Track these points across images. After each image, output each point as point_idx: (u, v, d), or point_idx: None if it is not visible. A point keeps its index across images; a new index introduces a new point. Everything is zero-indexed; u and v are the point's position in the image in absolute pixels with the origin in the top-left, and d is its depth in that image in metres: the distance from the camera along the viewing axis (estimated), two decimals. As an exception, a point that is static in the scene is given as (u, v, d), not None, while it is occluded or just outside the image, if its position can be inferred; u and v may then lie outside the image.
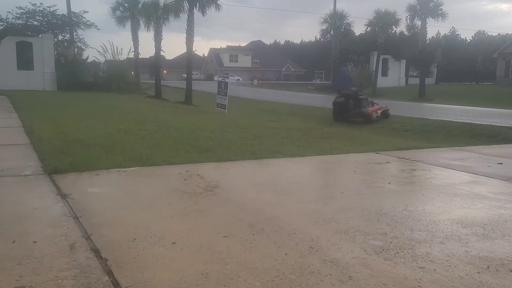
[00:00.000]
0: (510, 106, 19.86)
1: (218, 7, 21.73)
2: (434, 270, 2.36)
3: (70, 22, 28.95)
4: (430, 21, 32.04)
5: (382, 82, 36.82)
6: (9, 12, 36.61)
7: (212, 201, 3.67)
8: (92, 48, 50.14)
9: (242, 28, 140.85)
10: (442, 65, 56.20)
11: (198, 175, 4.52)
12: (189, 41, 21.55)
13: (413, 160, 5.74)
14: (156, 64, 26.06)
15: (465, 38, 71.72)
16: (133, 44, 28.13)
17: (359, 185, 4.43)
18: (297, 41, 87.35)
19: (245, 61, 70.30)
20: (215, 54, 71.61)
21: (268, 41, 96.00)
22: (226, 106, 13.24)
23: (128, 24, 27.87)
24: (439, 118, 13.51)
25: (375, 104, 13.54)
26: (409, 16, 32.97)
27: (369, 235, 2.86)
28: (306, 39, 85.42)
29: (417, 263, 2.44)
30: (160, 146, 6.03)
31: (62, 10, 39.72)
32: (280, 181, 4.46)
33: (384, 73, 40.82)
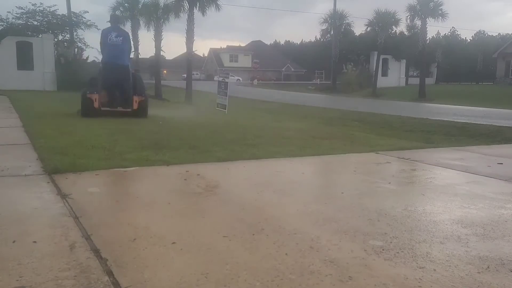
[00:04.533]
0: (510, 106, 19.86)
1: (218, 7, 21.79)
2: (434, 270, 2.36)
3: (70, 22, 29.00)
4: (430, 21, 32.18)
5: (382, 82, 36.88)
6: (9, 12, 36.75)
7: (212, 201, 3.67)
8: (92, 48, 50.15)
9: (239, 28, 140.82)
10: (442, 65, 56.22)
11: (198, 175, 4.52)
12: (189, 41, 21.59)
13: (413, 160, 5.74)
14: (156, 64, 26.09)
15: (465, 38, 71.89)
16: (133, 44, 28.15)
17: (359, 185, 4.43)
18: (297, 41, 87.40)
19: (245, 61, 70.35)
20: (215, 54, 71.66)
21: (268, 41, 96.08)
22: (226, 106, 13.25)
23: (128, 24, 27.90)
24: (439, 118, 13.52)
25: None
26: (409, 16, 33.11)
27: (369, 235, 2.86)
28: (306, 39, 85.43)
29: (417, 263, 2.44)
30: (160, 146, 6.03)
31: (62, 10, 39.72)
32: (280, 181, 4.46)
33: (384, 73, 40.88)
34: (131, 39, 11.38)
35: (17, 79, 22.76)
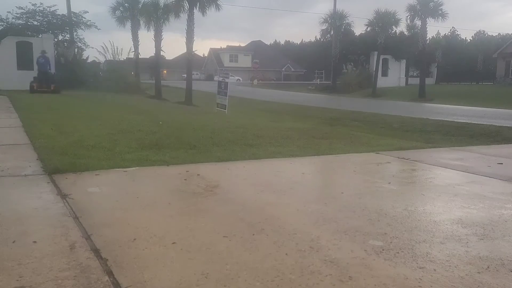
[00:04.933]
0: (510, 106, 19.86)
1: (218, 7, 21.76)
2: (434, 270, 2.36)
3: (70, 22, 28.99)
4: (430, 21, 32.15)
5: (382, 82, 36.87)
6: (9, 12, 36.67)
7: (212, 201, 3.67)
8: (92, 48, 50.13)
9: (239, 28, 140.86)
10: (442, 65, 56.20)
11: (198, 175, 4.52)
12: (189, 41, 21.58)
13: (413, 160, 5.74)
14: (156, 64, 26.10)
15: (465, 38, 71.78)
16: (133, 44, 28.17)
17: (359, 185, 4.43)
18: (297, 41, 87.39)
19: (245, 61, 70.33)
20: (215, 54, 71.66)
21: (268, 41, 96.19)
22: (226, 106, 13.24)
23: (128, 24, 27.92)
24: (439, 118, 13.52)
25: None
26: (409, 16, 33.07)
27: (369, 235, 2.86)
28: (306, 39, 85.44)
29: (417, 263, 2.44)
30: (160, 146, 6.03)
31: (62, 10, 39.71)
32: (280, 181, 4.46)
33: (384, 73, 40.87)
34: (49, 60, 22.31)
35: (17, 79, 22.70)
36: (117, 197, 3.77)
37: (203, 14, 21.65)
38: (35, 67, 21.91)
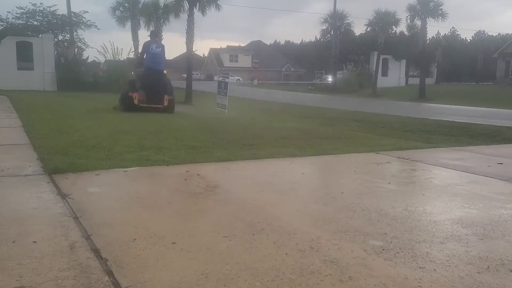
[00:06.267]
0: (510, 106, 19.86)
1: (218, 7, 21.76)
2: (434, 270, 2.36)
3: (70, 22, 29.04)
4: (430, 21, 32.19)
5: (382, 82, 36.89)
6: (9, 12, 36.74)
7: (212, 201, 3.67)
8: (92, 48, 50.14)
9: (239, 28, 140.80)
10: (442, 65, 56.23)
11: (198, 175, 4.52)
12: (189, 41, 21.56)
13: (413, 160, 5.74)
14: (156, 64, 26.04)
15: (465, 38, 71.91)
16: (133, 44, 28.16)
17: (359, 185, 4.43)
18: (297, 41, 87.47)
19: (245, 61, 70.36)
20: (215, 54, 71.68)
21: (268, 41, 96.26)
22: (226, 106, 13.25)
23: (128, 24, 27.93)
24: (439, 118, 13.51)
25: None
26: (409, 16, 33.12)
27: (369, 235, 2.86)
28: (306, 39, 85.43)
29: (417, 263, 2.44)
30: (160, 146, 6.03)
31: (62, 10, 39.71)
32: (280, 181, 4.46)
33: (384, 73, 40.90)
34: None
35: (17, 79, 22.75)
36: (117, 197, 3.77)
37: (203, 14, 21.65)
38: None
